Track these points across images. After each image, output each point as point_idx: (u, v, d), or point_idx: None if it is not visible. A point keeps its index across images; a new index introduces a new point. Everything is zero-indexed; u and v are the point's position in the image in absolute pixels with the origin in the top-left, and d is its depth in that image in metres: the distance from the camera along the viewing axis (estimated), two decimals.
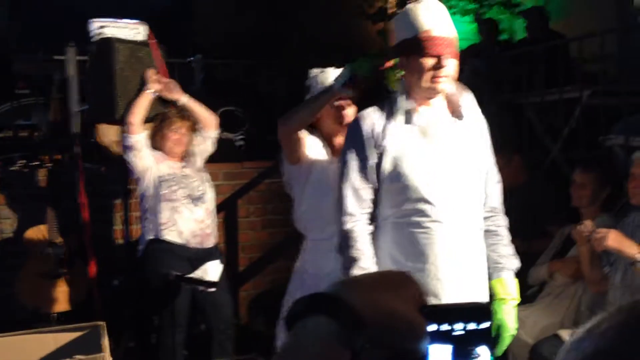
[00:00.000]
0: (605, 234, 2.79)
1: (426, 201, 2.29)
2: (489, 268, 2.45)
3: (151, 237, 3.84)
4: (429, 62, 2.26)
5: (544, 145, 5.04)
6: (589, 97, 4.78)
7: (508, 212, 2.59)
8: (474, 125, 2.45)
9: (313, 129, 2.93)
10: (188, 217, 3.86)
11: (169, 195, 3.83)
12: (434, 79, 2.28)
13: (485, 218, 2.47)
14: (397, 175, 2.31)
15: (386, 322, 0.67)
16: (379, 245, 2.36)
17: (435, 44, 2.25)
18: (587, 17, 6.72)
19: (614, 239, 2.78)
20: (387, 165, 2.32)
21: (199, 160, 4.04)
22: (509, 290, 2.43)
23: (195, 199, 3.90)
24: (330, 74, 2.90)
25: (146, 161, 3.82)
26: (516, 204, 3.91)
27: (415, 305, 0.71)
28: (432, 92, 2.33)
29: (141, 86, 3.92)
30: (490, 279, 2.44)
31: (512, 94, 5.59)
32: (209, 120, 4.03)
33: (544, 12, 6.74)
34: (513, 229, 2.89)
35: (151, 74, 3.91)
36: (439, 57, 2.25)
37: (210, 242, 3.96)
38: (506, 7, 8.52)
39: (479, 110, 2.49)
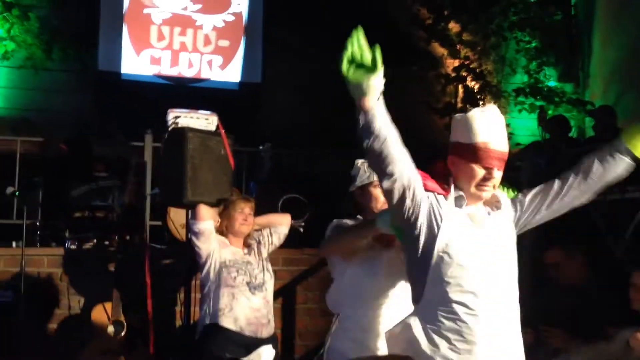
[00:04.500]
0: None
1: (471, 292, 2.34)
2: None
3: (208, 321, 3.92)
4: (480, 171, 2.39)
5: (607, 244, 4.95)
6: None
7: (568, 310, 2.57)
8: (508, 217, 2.53)
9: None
10: (244, 304, 3.92)
11: (228, 280, 3.93)
12: (480, 186, 2.41)
13: None
14: (447, 262, 2.36)
15: None
16: (420, 325, 2.39)
17: (489, 156, 2.38)
18: None
19: None
20: (439, 246, 2.37)
21: (265, 251, 4.17)
22: None
23: (254, 287, 3.98)
24: None
25: (211, 246, 3.96)
26: (576, 303, 3.84)
27: None
28: (475, 197, 2.45)
29: (210, 174, 4.14)
30: None
31: None
32: (281, 221, 4.33)
33: (612, 110, 6.71)
34: (573, 328, 2.85)
35: None
36: (489, 169, 2.39)
37: (265, 333, 3.98)
38: (574, 105, 8.54)
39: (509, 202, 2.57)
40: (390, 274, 2.95)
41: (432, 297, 2.38)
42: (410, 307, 2.58)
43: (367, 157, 2.31)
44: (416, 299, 2.44)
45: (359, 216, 3.17)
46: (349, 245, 2.95)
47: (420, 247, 2.39)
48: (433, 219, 2.38)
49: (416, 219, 2.37)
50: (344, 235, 3.00)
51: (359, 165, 3.19)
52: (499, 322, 2.37)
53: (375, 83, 2.15)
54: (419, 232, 2.39)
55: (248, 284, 3.97)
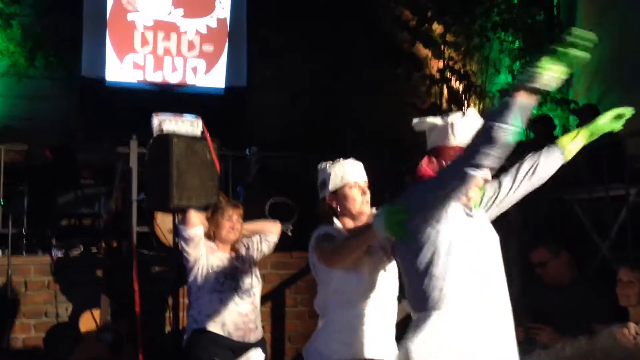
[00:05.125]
0: None
1: (477, 290, 2.40)
2: None
3: (195, 327, 3.90)
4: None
5: (592, 241, 4.97)
6: (636, 195, 4.74)
7: (556, 308, 2.60)
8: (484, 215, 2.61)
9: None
10: (232, 309, 3.90)
11: (216, 286, 3.91)
12: (475, 187, 2.47)
13: None
14: (454, 264, 2.39)
15: None
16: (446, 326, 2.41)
17: None
18: None
19: None
20: (444, 248, 2.39)
21: (253, 257, 4.16)
22: None
23: (242, 292, 3.96)
24: (345, 166, 3.10)
25: (199, 252, 3.94)
26: (564, 301, 3.86)
27: None
28: (463, 197, 2.49)
29: (196, 179, 4.12)
30: None
31: (559, 189, 5.56)
32: (271, 229, 4.25)
33: (596, 109, 6.75)
34: (561, 326, 2.84)
35: None
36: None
37: (253, 338, 3.96)
38: (559, 104, 8.59)
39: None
40: (375, 276, 2.95)
41: (443, 300, 2.39)
42: (395, 306, 2.60)
43: (480, 139, 2.20)
44: (427, 305, 2.41)
45: (335, 219, 3.09)
46: (354, 254, 2.83)
47: (430, 252, 2.40)
48: (444, 218, 2.41)
49: (438, 221, 2.39)
50: (346, 245, 2.85)
51: (327, 170, 3.13)
52: (497, 317, 2.42)
53: (550, 78, 2.18)
54: (435, 234, 2.40)
55: (235, 289, 3.94)
